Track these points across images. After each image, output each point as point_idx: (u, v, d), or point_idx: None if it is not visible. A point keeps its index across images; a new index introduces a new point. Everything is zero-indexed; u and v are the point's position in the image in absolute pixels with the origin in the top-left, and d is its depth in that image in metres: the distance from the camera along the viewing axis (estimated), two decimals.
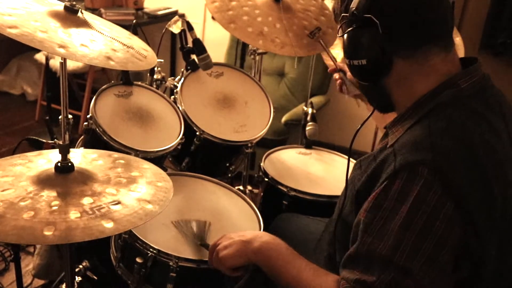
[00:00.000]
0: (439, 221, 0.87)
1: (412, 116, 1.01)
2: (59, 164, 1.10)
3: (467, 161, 0.91)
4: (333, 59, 1.71)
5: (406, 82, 1.01)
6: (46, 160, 1.17)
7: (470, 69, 1.01)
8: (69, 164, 1.10)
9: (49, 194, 1.02)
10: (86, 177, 1.10)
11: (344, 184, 1.14)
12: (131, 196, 1.06)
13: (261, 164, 1.83)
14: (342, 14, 1.02)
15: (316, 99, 3.02)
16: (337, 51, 1.91)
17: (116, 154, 1.27)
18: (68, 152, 1.11)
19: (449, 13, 1.01)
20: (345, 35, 1.01)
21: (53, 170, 1.10)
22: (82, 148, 1.63)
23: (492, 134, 0.96)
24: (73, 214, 0.96)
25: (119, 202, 1.03)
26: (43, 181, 1.06)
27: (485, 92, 1.01)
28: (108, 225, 0.96)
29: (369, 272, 0.89)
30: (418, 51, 0.99)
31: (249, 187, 2.14)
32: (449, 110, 0.96)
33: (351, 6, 0.98)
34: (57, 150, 1.12)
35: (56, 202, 0.99)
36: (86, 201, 1.01)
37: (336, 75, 1.68)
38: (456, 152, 0.91)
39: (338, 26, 1.06)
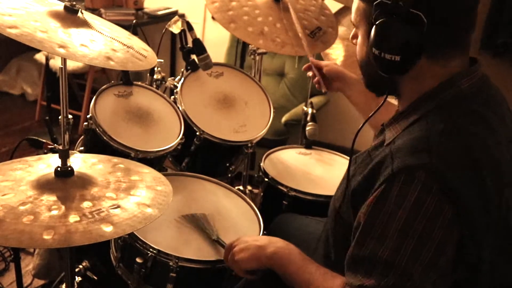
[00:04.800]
0: (438, 225, 0.87)
1: (411, 114, 1.00)
2: (59, 168, 1.10)
3: (464, 163, 0.90)
4: (309, 53, 1.68)
5: (419, 79, 1.00)
6: (46, 165, 1.17)
7: (471, 69, 1.01)
8: (69, 168, 1.11)
9: (48, 199, 1.02)
10: (85, 182, 1.10)
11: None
12: (131, 200, 1.06)
13: (261, 164, 1.82)
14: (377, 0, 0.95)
15: (316, 99, 3.01)
16: (338, 51, 1.91)
17: (115, 159, 1.27)
18: (68, 156, 1.11)
19: (476, 18, 1.01)
20: (379, 23, 0.94)
21: (53, 174, 1.10)
22: (82, 148, 1.63)
23: (491, 136, 0.96)
24: (73, 218, 0.96)
25: (118, 206, 1.03)
26: (43, 186, 1.06)
27: (483, 92, 1.01)
28: (108, 229, 0.96)
29: (371, 277, 0.89)
30: (444, 54, 0.98)
31: (249, 187, 2.14)
32: (448, 111, 0.96)
33: None
34: (57, 155, 1.12)
35: (56, 206, 0.99)
36: (86, 205, 1.01)
37: (310, 73, 1.67)
38: (454, 155, 0.90)
39: (363, 9, 1.01)
